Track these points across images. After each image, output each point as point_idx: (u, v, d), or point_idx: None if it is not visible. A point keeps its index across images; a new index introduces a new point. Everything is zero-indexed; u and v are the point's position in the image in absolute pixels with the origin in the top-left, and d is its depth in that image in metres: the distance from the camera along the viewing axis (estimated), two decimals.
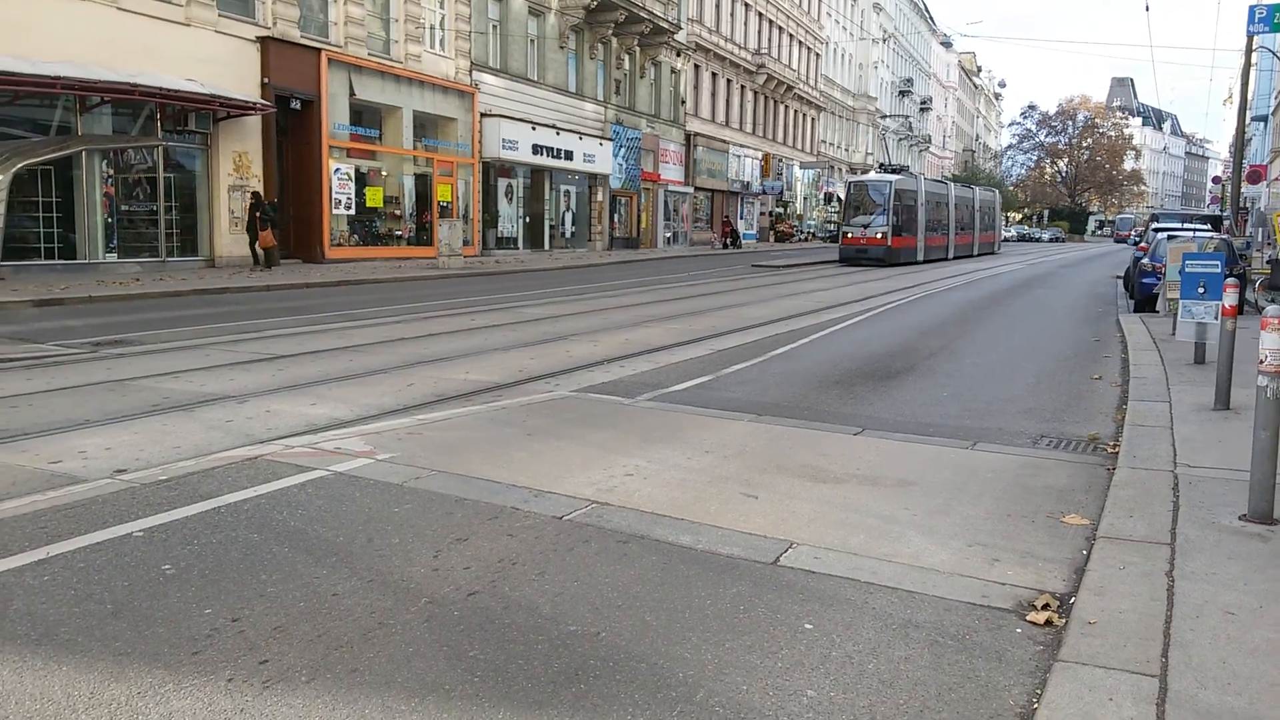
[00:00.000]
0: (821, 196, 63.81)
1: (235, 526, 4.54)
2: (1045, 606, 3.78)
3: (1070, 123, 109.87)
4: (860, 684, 3.15)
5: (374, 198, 27.57)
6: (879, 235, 33.78)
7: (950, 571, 4.16)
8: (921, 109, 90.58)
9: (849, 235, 34.63)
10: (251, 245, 22.36)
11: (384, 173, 28.24)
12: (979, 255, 45.54)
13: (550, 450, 6.16)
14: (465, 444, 6.26)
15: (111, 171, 20.69)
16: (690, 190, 46.70)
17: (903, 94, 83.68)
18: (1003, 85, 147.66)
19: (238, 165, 23.21)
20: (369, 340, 11.67)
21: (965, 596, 3.89)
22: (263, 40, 23.50)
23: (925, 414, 7.98)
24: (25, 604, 3.59)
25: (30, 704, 2.89)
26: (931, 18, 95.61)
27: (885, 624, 3.63)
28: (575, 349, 11.36)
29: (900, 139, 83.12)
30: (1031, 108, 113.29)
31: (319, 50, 24.99)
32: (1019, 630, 3.61)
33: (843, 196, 39.93)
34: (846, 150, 70.68)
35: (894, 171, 39.03)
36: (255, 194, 22.57)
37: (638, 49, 40.21)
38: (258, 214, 22.18)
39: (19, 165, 17.99)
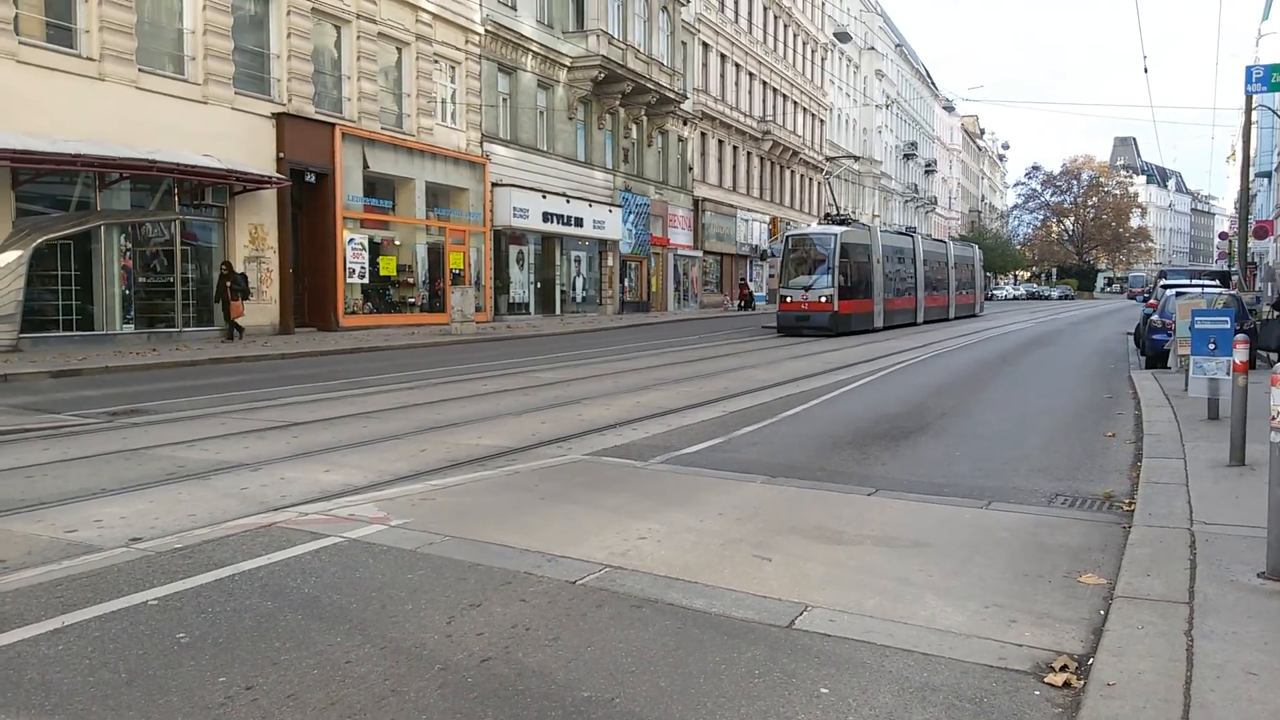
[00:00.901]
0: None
1: (249, 594, 4.54)
2: (1063, 668, 3.74)
3: (1075, 182, 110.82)
4: None
5: (387, 266, 27.90)
6: (823, 299, 27.59)
7: (967, 633, 4.13)
8: (926, 171, 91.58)
9: (787, 299, 28.13)
10: (226, 315, 22.08)
11: (397, 242, 28.62)
12: (956, 319, 39.69)
13: (563, 515, 6.16)
14: (478, 509, 6.27)
15: (129, 245, 21.03)
16: (699, 254, 47.13)
17: (907, 157, 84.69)
18: (1006, 147, 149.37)
19: (253, 237, 23.57)
20: (382, 406, 11.73)
21: (982, 659, 3.85)
22: (278, 116, 24.02)
23: (939, 474, 7.95)
24: (40, 673, 3.60)
25: None
26: (933, 83, 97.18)
27: (902, 688, 3.59)
28: (587, 412, 11.39)
29: (906, 200, 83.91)
30: (1036, 168, 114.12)
31: (333, 125, 25.52)
32: (1037, 693, 3.57)
33: (779, 252, 33.50)
34: (854, 212, 71.30)
35: (841, 221, 31.81)
36: (226, 264, 22.22)
37: (645, 118, 40.89)
38: (228, 284, 21.84)
39: (39, 240, 18.31)
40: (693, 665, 3.79)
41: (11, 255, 17.84)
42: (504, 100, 32.68)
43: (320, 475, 7.67)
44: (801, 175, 61.63)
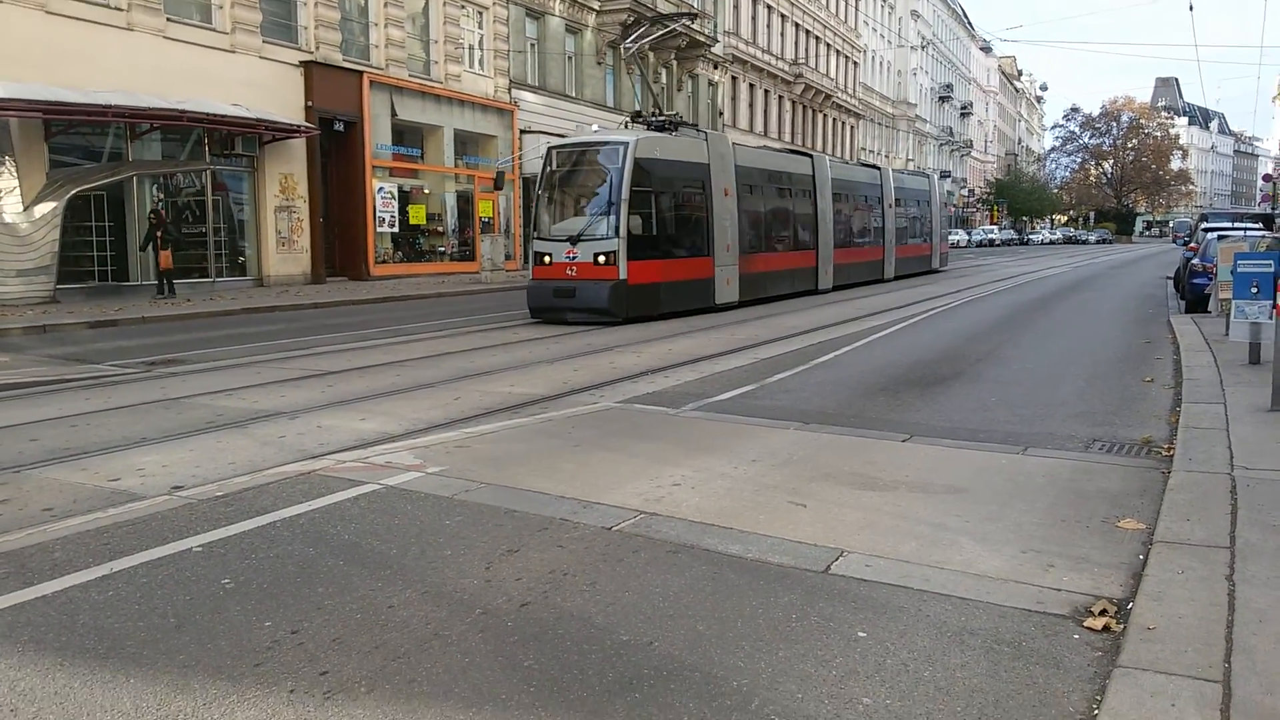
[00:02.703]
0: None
1: (291, 541, 4.61)
2: (1103, 612, 3.72)
3: (1114, 124, 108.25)
4: (916, 691, 3.13)
5: (417, 215, 27.90)
6: (600, 258, 15.78)
7: (1004, 578, 4.12)
8: (962, 114, 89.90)
9: (543, 259, 16.29)
10: (155, 266, 19.97)
11: (426, 190, 28.57)
12: (897, 278, 28.64)
13: (597, 461, 6.19)
14: (512, 456, 6.31)
15: (162, 196, 21.15)
16: None
17: (942, 100, 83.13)
18: (1044, 88, 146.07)
19: (284, 187, 23.62)
20: (415, 355, 11.80)
21: (1020, 603, 3.85)
22: (306, 64, 23.93)
23: (974, 420, 7.90)
24: (92, 618, 3.68)
25: (101, 715, 2.96)
26: (970, 23, 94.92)
27: (940, 631, 3.60)
28: (619, 360, 11.40)
29: (941, 144, 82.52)
30: (1074, 110, 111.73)
31: (361, 73, 25.38)
32: (1076, 636, 3.57)
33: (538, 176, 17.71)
34: (887, 157, 70.26)
35: (657, 126, 18.32)
36: (154, 212, 20.07)
37: (675, 63, 40.32)
38: (158, 233, 19.66)
39: (72, 192, 18.45)
40: (729, 609, 3.82)
41: (46, 207, 18.01)
42: (532, 46, 32.32)
43: (356, 423, 7.75)
44: (834, 119, 60.69)
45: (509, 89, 30.90)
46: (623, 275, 15.64)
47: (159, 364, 11.13)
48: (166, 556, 4.37)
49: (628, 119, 19.57)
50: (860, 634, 3.58)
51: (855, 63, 64.21)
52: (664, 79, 40.27)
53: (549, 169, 16.66)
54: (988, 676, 3.23)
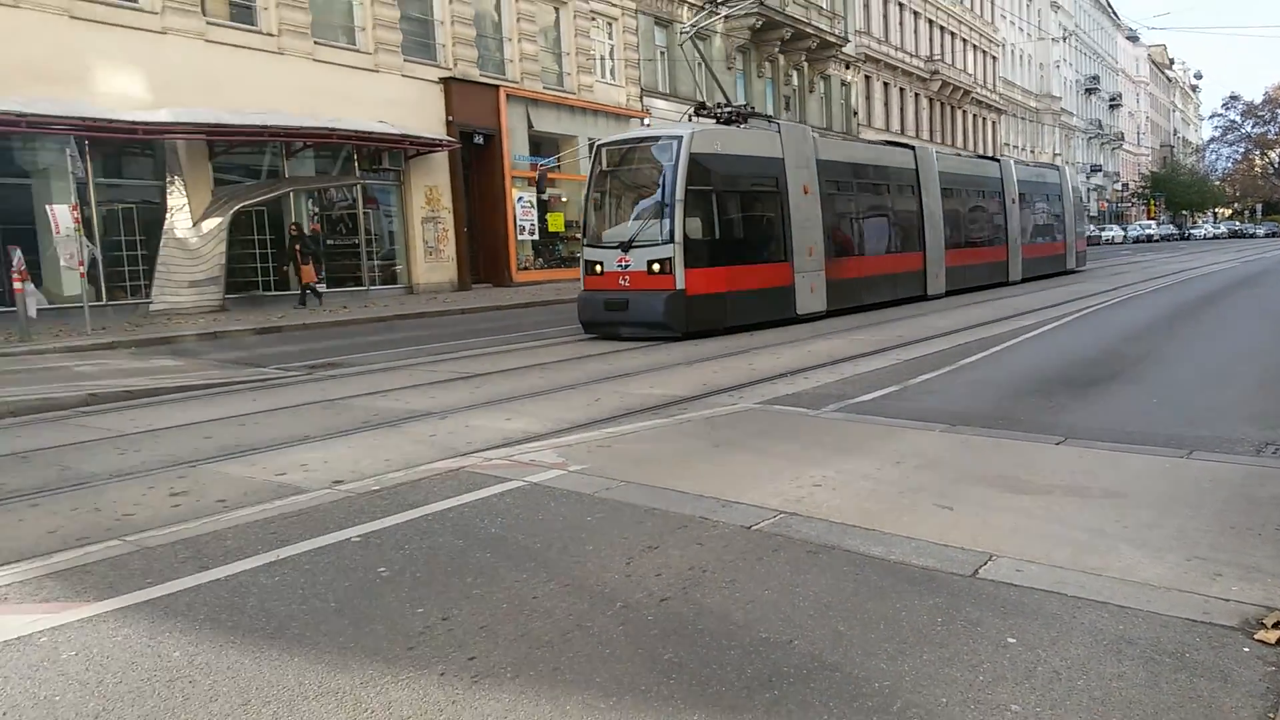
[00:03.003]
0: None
1: (441, 533, 4.79)
2: (1276, 624, 3.50)
3: (1279, 111, 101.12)
4: (1069, 701, 3.02)
5: (555, 223, 28.54)
6: (654, 265, 14.13)
7: (1166, 586, 3.91)
8: (1110, 106, 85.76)
9: (594, 269, 14.74)
10: (298, 280, 20.88)
11: (564, 199, 29.15)
12: (1017, 281, 25.65)
13: (735, 462, 6.19)
14: (652, 456, 6.38)
15: (316, 209, 22.27)
16: None
17: (1089, 92, 79.53)
18: (1199, 77, 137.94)
19: (429, 198, 24.54)
20: (556, 358, 12.06)
21: (1184, 612, 3.65)
22: (445, 81, 24.80)
23: (1133, 422, 7.52)
24: (260, 601, 3.92)
25: (269, 690, 3.15)
26: (1114, 12, 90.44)
27: (1096, 640, 3.45)
28: (758, 362, 11.36)
29: (1090, 137, 78.96)
30: (1234, 98, 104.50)
31: (497, 87, 26.14)
32: (1246, 649, 3.36)
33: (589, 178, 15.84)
34: (1032, 152, 67.68)
35: (724, 119, 16.71)
36: (295, 224, 21.17)
37: (805, 64, 39.94)
38: (297, 246, 20.54)
39: (235, 208, 19.64)
40: (871, 611, 3.76)
41: (213, 223, 19.23)
42: (661, 54, 32.60)
43: (502, 423, 7.98)
44: (974, 115, 58.87)
45: (640, 97, 31.24)
46: (680, 285, 13.86)
47: (319, 367, 11.73)
48: (328, 545, 4.60)
49: (690, 111, 18.56)
50: (1009, 640, 3.47)
51: (994, 57, 62.12)
52: (795, 81, 39.92)
53: (599, 169, 14.92)
54: (1147, 688, 3.08)
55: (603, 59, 30.27)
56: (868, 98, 45.97)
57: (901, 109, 49.61)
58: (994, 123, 61.75)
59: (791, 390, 9.29)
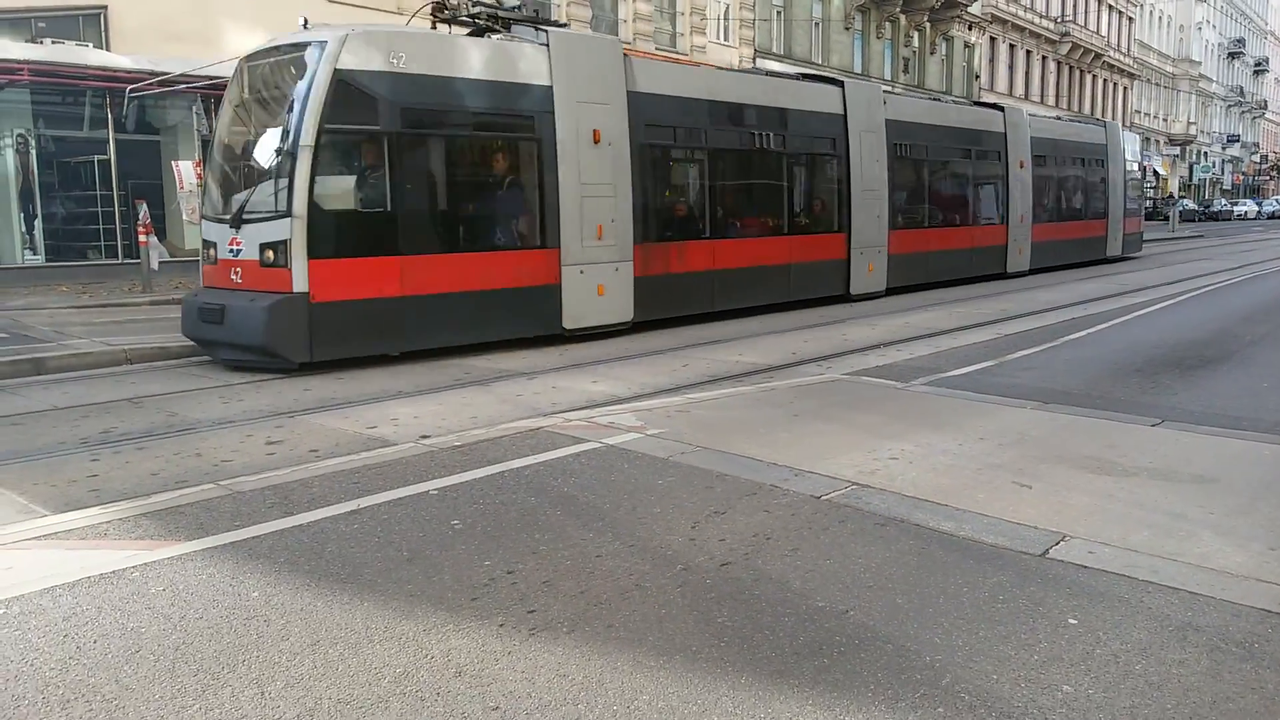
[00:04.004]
0: (1137, 171, 58.46)
1: (515, 489, 4.93)
2: None
3: None
4: (1124, 684, 2.95)
5: None
6: (269, 252, 8.81)
7: (1244, 575, 3.77)
8: (1256, 71, 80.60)
9: (210, 253, 9.50)
10: None
11: None
12: (1021, 273, 19.49)
13: (813, 432, 6.17)
14: (730, 423, 6.40)
15: None
16: None
17: (1232, 56, 74.86)
18: None
19: None
20: None
21: (1259, 602, 3.51)
22: None
23: (1238, 406, 7.19)
24: (338, 547, 4.12)
25: (337, 632, 3.32)
26: None
27: (1161, 625, 3.36)
28: (851, 333, 11.22)
29: (1229, 105, 74.61)
30: None
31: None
32: None
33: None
34: (1165, 121, 64.32)
35: (467, 19, 10.80)
36: None
37: (927, 25, 38.67)
38: None
39: None
40: (933, 586, 3.73)
41: None
42: (778, 13, 32.01)
43: (588, 385, 8.11)
44: (1105, 80, 56.16)
45: (754, 58, 30.77)
46: (299, 285, 8.75)
47: None
48: (406, 497, 4.79)
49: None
50: (1071, 621, 3.41)
51: (1130, 18, 58.98)
52: (915, 42, 38.77)
53: (231, 99, 9.82)
54: (1208, 676, 3.00)
55: (718, 19, 29.94)
56: (992, 60, 44.31)
57: (1028, 73, 47.64)
58: (1125, 88, 58.82)
59: (882, 362, 9.17)
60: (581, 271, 10.78)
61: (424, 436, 6.18)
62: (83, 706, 2.83)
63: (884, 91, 15.99)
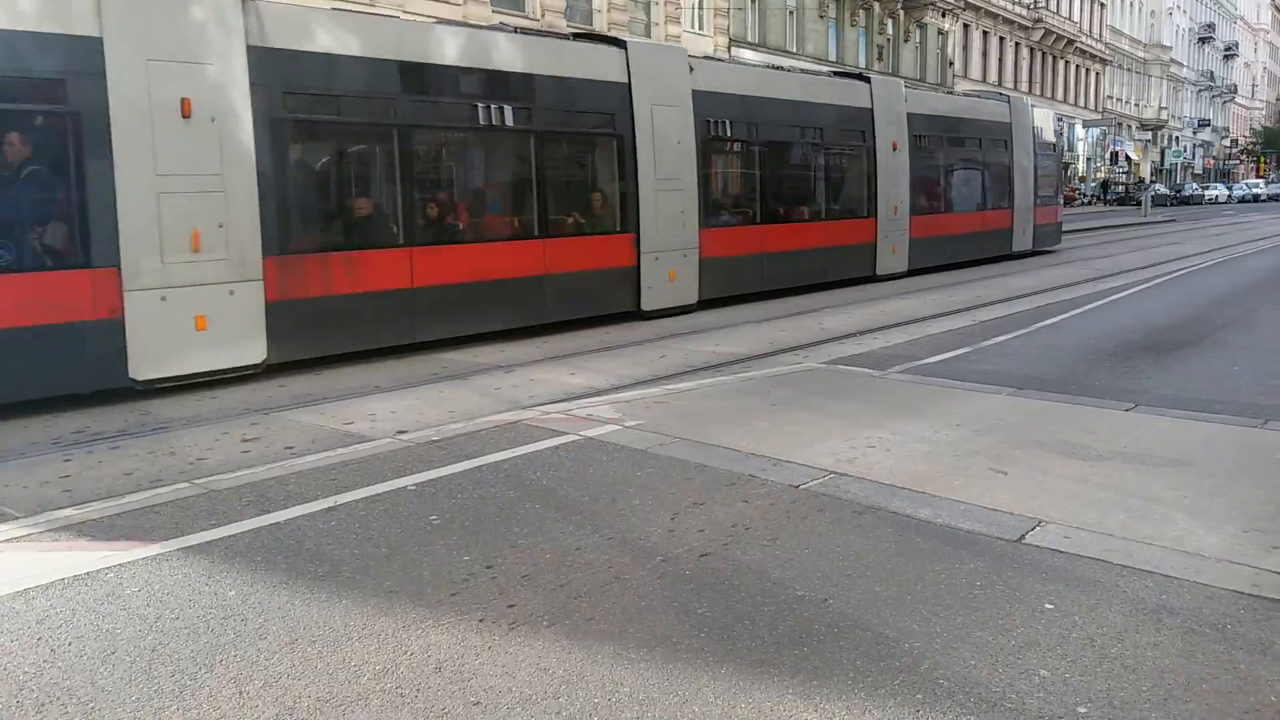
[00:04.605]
0: (1108, 156, 58.87)
1: (494, 483, 4.92)
2: None
3: None
4: (1100, 668, 2.99)
5: None
6: None
7: (1217, 557, 3.82)
8: (1225, 56, 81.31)
9: None
10: None
11: None
12: (901, 275, 16.30)
13: (792, 421, 6.18)
14: (709, 414, 6.41)
15: None
16: None
17: (1203, 41, 75.49)
18: None
19: None
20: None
21: (1232, 584, 3.56)
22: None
23: (1211, 390, 7.27)
24: (315, 544, 4.09)
25: (315, 630, 3.30)
26: None
27: (1136, 608, 3.40)
28: (828, 321, 11.26)
29: (1200, 90, 75.23)
30: None
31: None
32: None
33: None
34: (1136, 106, 64.81)
35: None
36: None
37: (901, 13, 38.79)
38: None
39: None
40: (911, 573, 3.76)
41: None
42: (752, 2, 32.00)
43: (566, 378, 8.09)
44: (1077, 66, 56.52)
45: (729, 47, 30.73)
46: None
47: None
48: (384, 493, 4.77)
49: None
50: (1047, 606, 3.44)
51: (1102, 4, 59.36)
52: (889, 30, 38.86)
53: None
54: (1182, 658, 3.03)
55: (692, 8, 29.89)
56: (965, 47, 44.47)
57: (1001, 59, 47.85)
58: (1097, 74, 59.24)
59: (859, 350, 9.20)
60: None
61: (401, 432, 6.15)
62: (58, 710, 2.80)
63: (691, 58, 12.73)
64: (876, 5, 37.25)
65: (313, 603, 3.52)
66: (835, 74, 17.64)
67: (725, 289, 12.67)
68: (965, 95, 22.07)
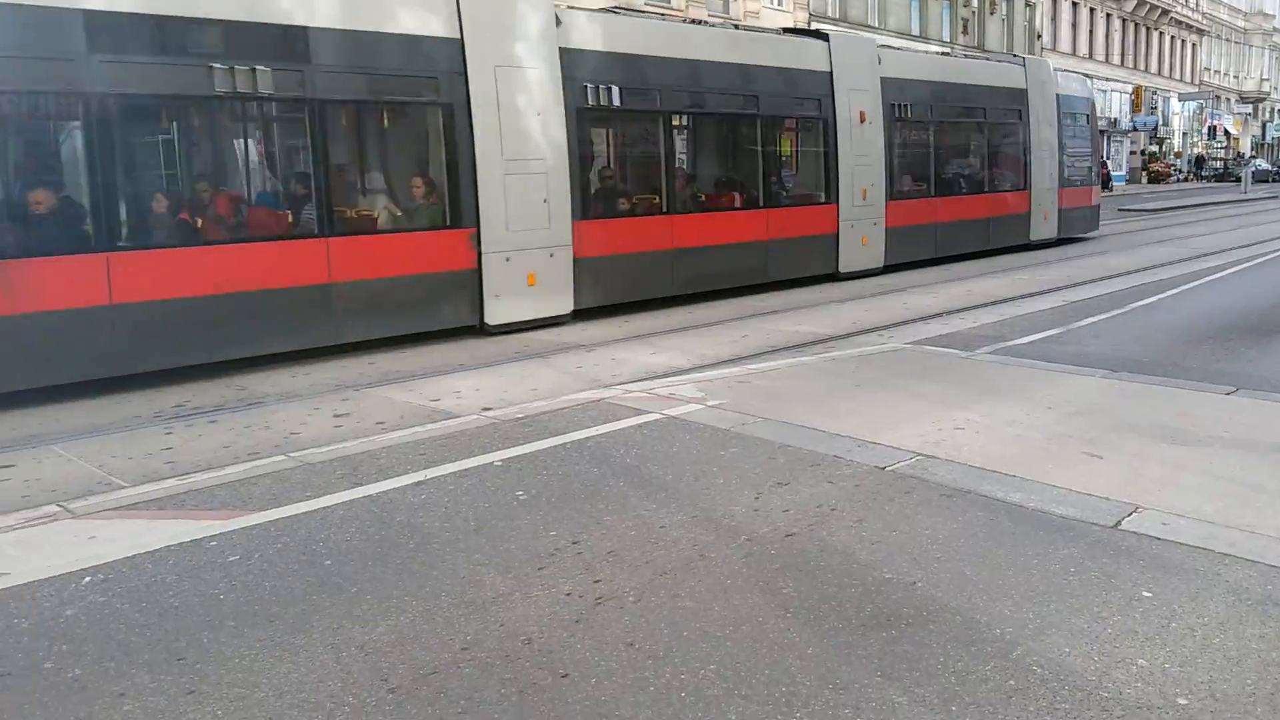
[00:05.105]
0: (1205, 131, 56.57)
1: (578, 461, 4.97)
2: None
3: None
4: (1201, 658, 2.90)
5: None
6: None
7: None
8: None
9: None
10: None
11: None
12: (875, 272, 13.64)
13: (877, 402, 6.11)
14: (792, 393, 6.37)
15: None
16: None
17: None
18: None
19: None
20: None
21: None
22: (604, 12, 24.69)
23: None
24: (406, 517, 4.19)
25: (408, 601, 3.39)
26: None
27: (1239, 598, 3.29)
28: (912, 301, 11.07)
29: None
30: None
31: (661, 15, 25.85)
32: None
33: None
34: (1236, 78, 62.08)
35: None
36: None
37: None
38: None
39: None
40: (1002, 557, 3.69)
41: None
42: None
43: (647, 357, 8.11)
44: (1172, 37, 54.35)
45: (809, 22, 30.28)
46: None
47: None
48: (472, 468, 4.85)
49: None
50: (1145, 594, 3.35)
51: None
52: (974, 2, 37.85)
53: None
54: None
55: None
56: (1054, 19, 43.10)
57: (1091, 31, 46.26)
58: (1194, 45, 56.89)
59: (945, 331, 9.03)
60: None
61: (486, 409, 6.23)
62: (165, 667, 2.93)
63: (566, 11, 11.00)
64: None
65: (404, 573, 3.60)
66: (786, 31, 15.26)
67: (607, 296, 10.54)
68: (970, 58, 18.65)
